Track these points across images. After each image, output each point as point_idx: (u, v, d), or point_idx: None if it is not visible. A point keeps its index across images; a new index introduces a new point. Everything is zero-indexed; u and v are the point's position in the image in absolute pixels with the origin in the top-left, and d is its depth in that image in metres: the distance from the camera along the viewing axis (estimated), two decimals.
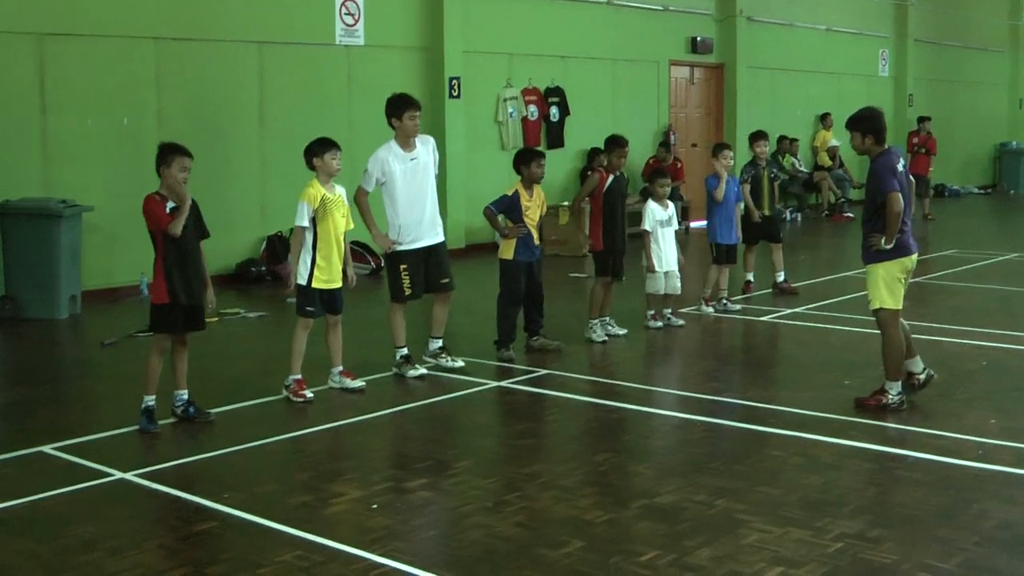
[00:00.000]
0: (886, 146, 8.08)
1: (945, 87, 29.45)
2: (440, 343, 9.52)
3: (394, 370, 9.34)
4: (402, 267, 9.23)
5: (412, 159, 9.19)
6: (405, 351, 9.34)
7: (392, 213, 9.21)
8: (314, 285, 8.50)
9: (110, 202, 12.92)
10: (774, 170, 13.70)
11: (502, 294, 9.96)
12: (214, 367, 9.43)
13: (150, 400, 7.66)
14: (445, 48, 16.69)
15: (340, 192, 8.63)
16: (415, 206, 9.20)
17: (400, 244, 9.19)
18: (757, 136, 13.38)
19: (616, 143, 10.66)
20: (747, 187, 12.93)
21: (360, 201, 9.21)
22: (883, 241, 7.80)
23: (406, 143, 9.18)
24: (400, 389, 8.99)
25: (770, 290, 13.13)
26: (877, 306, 8.00)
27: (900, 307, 8.00)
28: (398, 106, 9.15)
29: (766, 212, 13.03)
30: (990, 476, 6.62)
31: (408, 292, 9.26)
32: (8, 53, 12.44)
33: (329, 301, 8.64)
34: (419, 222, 9.23)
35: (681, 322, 11.27)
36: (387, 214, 9.26)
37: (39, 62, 12.65)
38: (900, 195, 7.76)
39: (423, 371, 9.29)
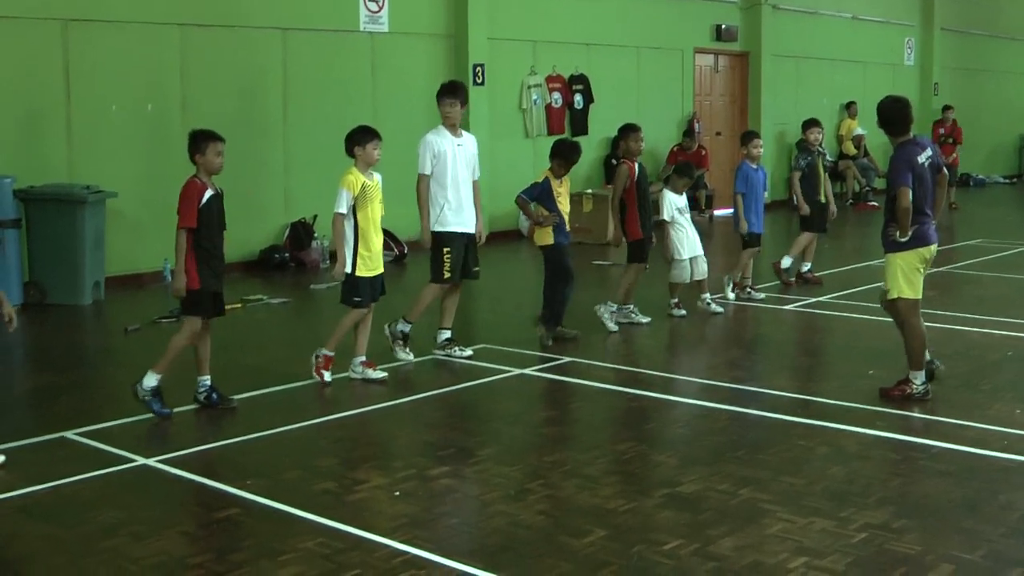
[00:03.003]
0: (911, 136, 7.99)
1: (971, 76, 29.21)
2: (449, 334, 9.52)
3: (438, 353, 9.41)
4: (445, 250, 9.27)
5: (459, 144, 9.34)
6: (449, 334, 9.48)
7: (440, 195, 9.24)
8: (359, 274, 8.49)
9: (134, 188, 12.97)
10: (828, 158, 13.62)
11: (550, 278, 9.92)
12: (236, 354, 9.43)
13: (157, 379, 7.60)
14: (469, 35, 16.65)
15: (378, 179, 8.63)
16: (461, 190, 9.31)
17: (445, 228, 9.26)
18: (811, 123, 13.23)
19: (630, 128, 10.73)
20: (797, 175, 12.87)
21: (422, 191, 9.26)
22: (897, 234, 7.75)
23: (452, 129, 9.35)
24: (423, 376, 8.97)
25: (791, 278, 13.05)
26: (895, 295, 7.93)
27: (919, 296, 7.94)
28: (439, 93, 9.46)
29: (822, 200, 12.97)
30: (1016, 467, 6.57)
31: (448, 276, 9.31)
32: (33, 39, 12.45)
33: (373, 288, 8.65)
34: (462, 208, 9.33)
35: (720, 309, 11.25)
36: (432, 198, 9.29)
37: (64, 48, 12.66)
38: (909, 191, 7.65)
39: (470, 351, 9.41)
